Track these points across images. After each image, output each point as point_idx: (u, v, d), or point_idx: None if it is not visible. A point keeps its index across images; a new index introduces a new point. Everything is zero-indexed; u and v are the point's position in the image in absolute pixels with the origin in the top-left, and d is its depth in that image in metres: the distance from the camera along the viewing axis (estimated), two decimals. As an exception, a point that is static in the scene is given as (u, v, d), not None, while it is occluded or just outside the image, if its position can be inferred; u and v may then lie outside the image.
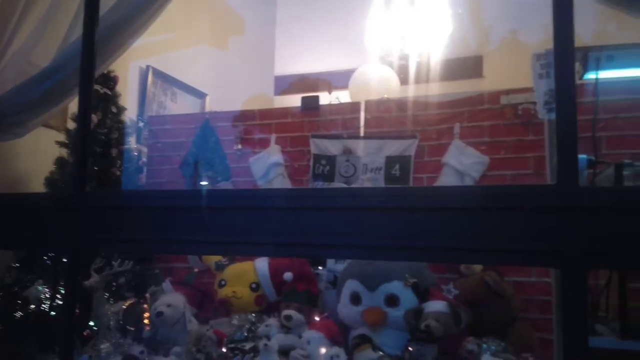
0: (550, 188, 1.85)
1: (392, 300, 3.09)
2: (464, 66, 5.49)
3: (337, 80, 5.57)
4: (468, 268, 3.32)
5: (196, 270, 3.72)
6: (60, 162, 4.02)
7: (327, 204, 1.70)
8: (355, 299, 3.20)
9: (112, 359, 3.02)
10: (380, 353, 2.92)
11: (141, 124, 5.41)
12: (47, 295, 3.56)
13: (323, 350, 3.08)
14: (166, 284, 3.61)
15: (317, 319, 3.38)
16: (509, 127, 3.65)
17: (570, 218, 1.49)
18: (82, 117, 2.12)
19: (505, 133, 3.66)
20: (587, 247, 1.42)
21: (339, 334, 3.20)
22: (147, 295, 3.52)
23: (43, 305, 3.53)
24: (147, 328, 3.38)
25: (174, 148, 4.60)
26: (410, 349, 2.90)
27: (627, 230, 1.46)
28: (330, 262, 3.80)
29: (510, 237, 1.54)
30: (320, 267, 3.80)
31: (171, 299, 3.35)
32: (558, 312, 2.42)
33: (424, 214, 1.64)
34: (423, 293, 3.07)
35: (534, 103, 3.44)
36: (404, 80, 5.03)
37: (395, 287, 3.10)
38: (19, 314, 3.52)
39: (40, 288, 3.56)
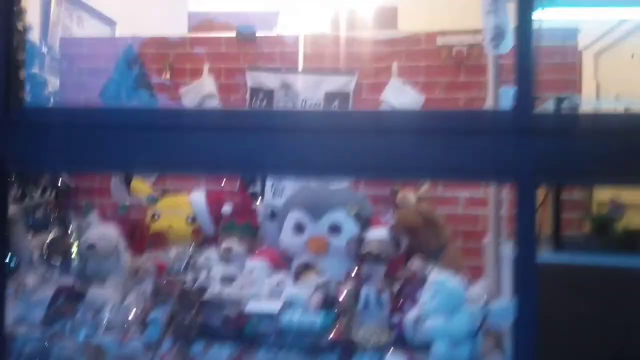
0: (509, 113, 2.00)
1: (335, 229, 3.18)
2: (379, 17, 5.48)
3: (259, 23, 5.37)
4: (404, 199, 3.50)
5: (127, 203, 3.52)
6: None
7: (265, 123, 1.65)
8: (299, 228, 3.24)
9: (40, 293, 2.80)
10: (325, 278, 3.02)
11: (44, 50, 4.86)
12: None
13: (267, 279, 3.12)
14: (93, 216, 3.38)
15: (260, 249, 3.38)
16: (443, 67, 3.81)
17: (525, 139, 1.63)
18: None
19: (439, 74, 3.82)
20: (539, 165, 1.54)
21: (282, 262, 3.24)
22: (72, 228, 3.27)
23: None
24: (74, 263, 3.16)
25: (92, 75, 4.20)
26: (352, 274, 3.03)
27: (573, 150, 1.57)
28: (268, 197, 3.79)
29: (471, 156, 1.64)
30: (257, 203, 3.78)
31: (103, 231, 3.15)
32: (496, 234, 2.64)
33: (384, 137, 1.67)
34: (364, 222, 3.19)
35: (469, 45, 3.62)
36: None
37: (339, 216, 3.18)
38: None
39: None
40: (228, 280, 3.19)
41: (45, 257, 3.13)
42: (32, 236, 3.22)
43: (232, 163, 1.70)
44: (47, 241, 3.16)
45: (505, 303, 2.26)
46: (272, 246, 3.45)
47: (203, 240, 3.62)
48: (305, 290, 2.77)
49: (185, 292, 2.50)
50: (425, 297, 2.43)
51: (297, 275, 3.04)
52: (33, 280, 2.90)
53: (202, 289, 2.59)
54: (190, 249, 3.39)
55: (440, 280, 2.40)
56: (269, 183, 3.78)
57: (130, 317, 2.65)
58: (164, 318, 2.54)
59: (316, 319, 2.37)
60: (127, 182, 3.61)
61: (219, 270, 3.25)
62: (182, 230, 3.49)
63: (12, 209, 3.10)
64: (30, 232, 3.24)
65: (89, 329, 2.54)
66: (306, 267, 3.06)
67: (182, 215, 3.54)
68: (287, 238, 3.29)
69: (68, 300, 2.58)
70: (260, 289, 2.89)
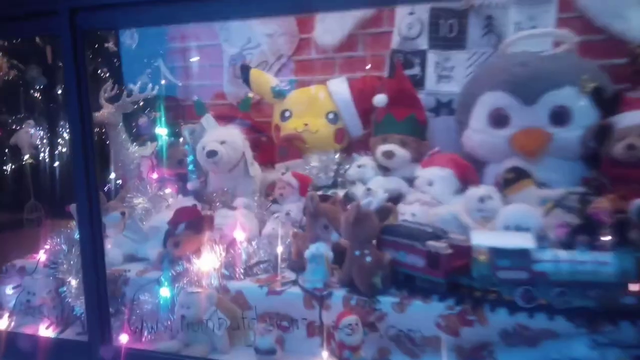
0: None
1: (560, 116, 2.07)
2: None
3: None
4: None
5: (251, 95, 2.64)
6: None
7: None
8: (499, 118, 2.17)
9: (152, 219, 2.06)
10: (548, 191, 1.97)
11: None
12: (43, 141, 2.54)
13: (452, 191, 2.14)
14: (207, 119, 2.56)
15: (429, 153, 2.39)
16: None
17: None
18: None
19: None
20: None
21: (471, 170, 2.23)
22: (184, 134, 2.49)
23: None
24: (191, 176, 2.40)
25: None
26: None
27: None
28: (431, 82, 2.72)
29: None
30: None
31: (225, 134, 2.32)
32: None
33: None
34: (610, 102, 2.04)
35: None
36: None
37: (566, 95, 2.06)
38: (9, 167, 2.52)
39: (31, 131, 2.51)
40: (394, 197, 2.28)
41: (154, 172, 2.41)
42: (136, 147, 2.49)
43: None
44: (155, 150, 2.41)
45: None
46: (443, 148, 2.44)
47: (348, 143, 2.70)
48: (528, 210, 1.76)
49: (363, 216, 1.59)
50: None
51: (505, 186, 2.03)
52: (142, 201, 2.18)
53: (386, 210, 1.66)
54: (337, 156, 2.50)
55: None
56: (431, 61, 2.69)
57: (275, 252, 1.84)
58: (329, 254, 1.67)
59: (607, 259, 1.37)
60: (245, 72, 2.72)
61: (378, 182, 2.34)
62: (323, 129, 2.57)
63: (107, 109, 2.35)
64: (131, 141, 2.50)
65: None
66: (520, 174, 2.02)
67: (320, 111, 2.61)
68: (480, 134, 2.25)
69: (190, 229, 1.79)
70: (448, 209, 1.93)
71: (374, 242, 1.66)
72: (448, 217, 1.85)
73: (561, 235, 1.70)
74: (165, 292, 1.68)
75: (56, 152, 2.54)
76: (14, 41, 2.57)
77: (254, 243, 1.88)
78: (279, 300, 1.66)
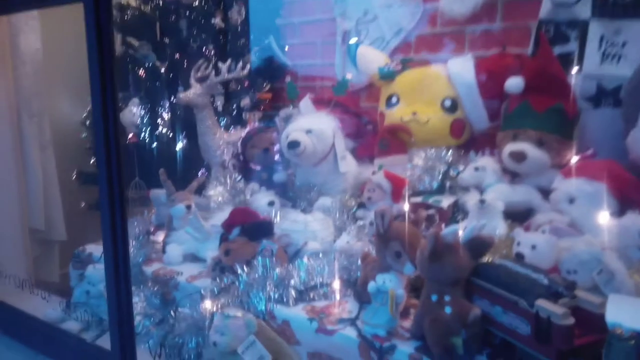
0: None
1: None
2: None
3: None
4: None
5: (349, 76, 2.28)
6: None
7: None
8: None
9: (225, 211, 1.84)
10: None
11: None
12: (146, 119, 2.49)
13: (605, 214, 1.53)
14: (305, 102, 2.26)
15: (575, 158, 1.77)
16: None
17: None
18: None
19: None
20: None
21: (636, 186, 1.58)
22: (278, 118, 2.22)
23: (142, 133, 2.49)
24: (279, 168, 2.14)
25: None
26: None
27: None
28: (592, 62, 2.03)
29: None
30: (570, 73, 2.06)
31: (313, 122, 2.00)
32: None
33: None
34: None
35: None
36: None
37: None
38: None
39: (135, 110, 2.48)
40: (515, 211, 1.74)
41: (240, 160, 2.19)
42: (225, 132, 2.30)
43: None
44: (243, 137, 2.19)
45: None
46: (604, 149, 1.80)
47: (470, 138, 2.18)
48: None
49: (444, 250, 1.14)
50: None
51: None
52: (218, 193, 1.97)
53: (482, 243, 1.18)
54: (449, 154, 2.01)
55: None
56: (594, 34, 2.00)
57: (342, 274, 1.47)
58: (398, 292, 1.25)
59: None
60: (352, 50, 2.34)
61: (501, 192, 1.80)
62: (436, 120, 2.09)
63: (195, 89, 2.19)
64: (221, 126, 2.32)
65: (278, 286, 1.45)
66: None
67: (434, 97, 2.13)
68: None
69: (245, 234, 1.52)
70: (589, 244, 1.34)
71: (462, 286, 1.20)
72: (586, 258, 1.28)
73: None
74: (206, 307, 1.44)
75: (156, 132, 2.48)
76: (126, 17, 2.55)
77: (318, 258, 1.53)
78: (330, 342, 1.30)
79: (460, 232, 1.18)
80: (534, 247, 1.36)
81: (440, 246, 1.14)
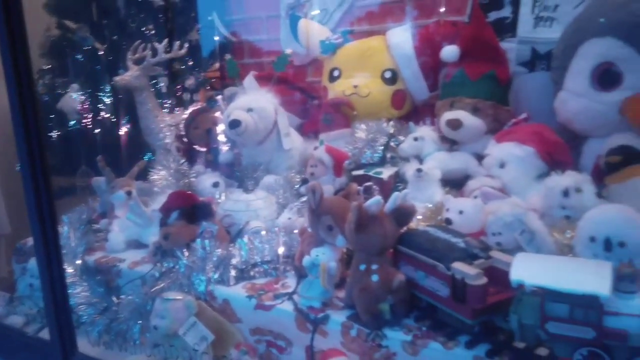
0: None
1: None
2: None
3: None
4: None
5: (289, 51, 2.26)
6: None
7: None
8: (607, 76, 1.55)
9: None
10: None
11: None
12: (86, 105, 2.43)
13: (536, 177, 1.59)
14: (249, 80, 2.25)
15: (510, 123, 1.82)
16: None
17: None
18: None
19: None
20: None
21: (562, 149, 1.64)
22: (221, 97, 2.20)
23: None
24: (224, 148, 2.13)
25: None
26: None
27: None
28: (526, 27, 2.07)
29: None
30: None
31: (254, 100, 1.99)
32: None
33: None
34: None
35: None
36: None
37: None
38: (55, 133, 2.47)
39: (75, 96, 2.41)
40: (454, 178, 1.79)
41: (183, 140, 2.17)
42: (166, 113, 2.26)
43: None
44: (184, 117, 2.17)
45: None
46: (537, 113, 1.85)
47: (410, 109, 2.21)
48: (627, 216, 1.18)
49: (368, 221, 1.17)
50: None
51: (608, 171, 1.43)
52: (162, 176, 1.96)
53: (405, 211, 1.22)
54: (391, 125, 2.04)
55: None
56: (528, -2, 2.04)
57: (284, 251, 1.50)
58: (330, 265, 1.29)
59: None
60: (293, 23, 2.32)
61: (439, 160, 1.85)
62: (377, 92, 2.11)
63: (132, 71, 2.14)
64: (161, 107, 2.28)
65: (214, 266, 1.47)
66: (626, 158, 1.41)
67: (375, 69, 2.14)
68: (577, 97, 1.64)
69: (184, 218, 1.53)
70: (512, 206, 1.39)
71: (389, 254, 1.24)
72: (509, 219, 1.33)
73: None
74: (148, 292, 1.45)
75: (98, 117, 2.43)
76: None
77: (259, 237, 1.55)
78: (268, 317, 1.33)
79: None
80: (461, 212, 1.42)
81: (365, 217, 1.17)
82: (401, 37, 2.14)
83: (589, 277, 0.92)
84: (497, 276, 1.07)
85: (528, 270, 0.97)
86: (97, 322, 1.51)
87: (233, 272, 1.45)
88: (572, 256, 1.22)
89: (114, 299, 1.54)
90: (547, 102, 1.86)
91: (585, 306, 0.90)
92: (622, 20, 1.49)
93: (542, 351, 1.01)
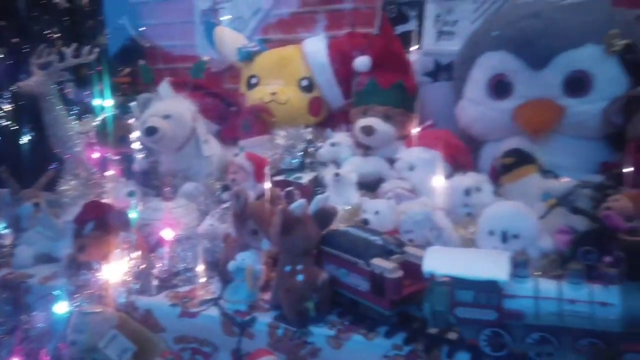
0: None
1: (577, 84, 1.61)
2: None
3: None
4: None
5: (206, 58, 2.26)
6: None
7: None
8: (500, 86, 1.73)
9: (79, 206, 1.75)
10: (554, 181, 1.54)
11: None
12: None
13: (442, 179, 1.73)
14: (164, 86, 2.22)
15: (416, 130, 1.96)
16: None
17: None
18: None
19: None
20: None
21: (464, 152, 1.81)
22: (135, 104, 2.14)
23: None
24: (139, 156, 2.07)
25: None
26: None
27: None
28: (429, 41, 2.25)
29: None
30: (411, 49, 2.26)
31: (170, 106, 1.97)
32: None
33: None
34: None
35: None
36: None
37: (587, 57, 1.58)
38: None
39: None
40: (369, 181, 1.89)
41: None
42: (76, 121, 2.16)
43: None
44: (94, 125, 2.09)
45: None
46: (442, 120, 2.01)
47: (327, 116, 2.30)
48: (519, 211, 1.34)
49: (293, 223, 1.22)
50: None
51: (502, 172, 1.60)
52: (72, 187, 1.87)
53: (327, 213, 1.29)
54: (309, 131, 2.11)
55: None
56: (430, 13, 2.21)
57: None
58: (255, 268, 1.32)
59: (610, 298, 0.96)
60: (209, 31, 2.32)
61: (355, 164, 1.94)
62: (294, 99, 2.17)
63: (37, 76, 2.03)
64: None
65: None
66: (521, 157, 1.59)
67: (291, 77, 2.20)
68: (477, 106, 1.81)
69: (100, 228, 1.48)
70: (421, 205, 1.51)
71: (313, 255, 1.30)
72: (419, 218, 1.45)
73: (561, 244, 1.30)
74: (61, 308, 1.39)
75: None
76: None
77: (181, 244, 1.54)
78: (193, 324, 1.33)
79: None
80: (377, 212, 1.51)
81: (290, 220, 1.22)
82: (316, 46, 2.23)
83: (490, 266, 1.04)
84: (411, 269, 1.16)
85: (438, 262, 1.08)
86: (5, 343, 1.42)
87: (155, 282, 1.43)
88: (474, 248, 1.36)
89: (25, 316, 1.45)
90: (450, 110, 2.03)
91: (488, 291, 1.01)
92: (513, 36, 1.67)
93: (452, 335, 1.12)
